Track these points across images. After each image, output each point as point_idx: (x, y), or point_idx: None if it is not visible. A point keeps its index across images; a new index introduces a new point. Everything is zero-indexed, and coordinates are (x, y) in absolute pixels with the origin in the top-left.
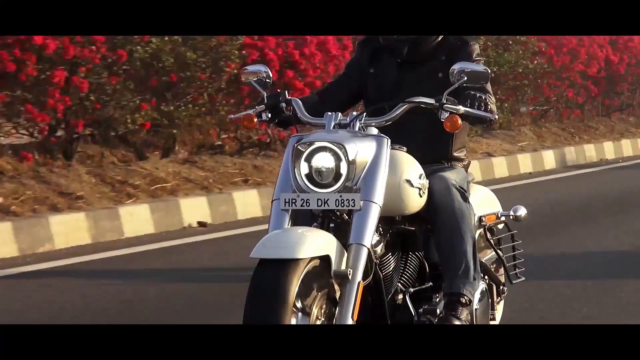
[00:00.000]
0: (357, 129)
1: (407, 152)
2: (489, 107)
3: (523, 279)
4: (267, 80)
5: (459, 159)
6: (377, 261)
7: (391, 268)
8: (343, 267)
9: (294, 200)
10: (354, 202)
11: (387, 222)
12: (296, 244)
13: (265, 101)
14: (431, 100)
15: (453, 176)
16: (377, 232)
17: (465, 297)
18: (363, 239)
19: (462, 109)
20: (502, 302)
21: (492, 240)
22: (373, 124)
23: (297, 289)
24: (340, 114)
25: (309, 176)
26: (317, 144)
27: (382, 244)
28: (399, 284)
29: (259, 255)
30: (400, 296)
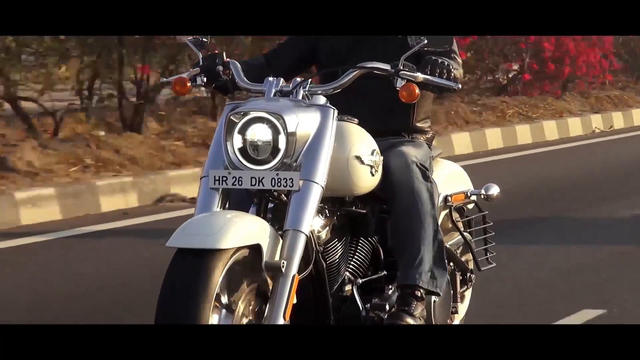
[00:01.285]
0: (300, 97)
1: (361, 123)
2: (452, 74)
3: (494, 265)
4: (204, 39)
5: (422, 131)
6: (321, 248)
7: (337, 256)
8: (277, 257)
9: (224, 178)
10: (292, 182)
11: (334, 203)
12: (220, 231)
13: (201, 63)
14: (386, 66)
15: (413, 151)
16: (322, 215)
17: (421, 290)
18: (301, 224)
19: (420, 76)
20: (469, 292)
21: (458, 223)
22: (319, 92)
23: (219, 283)
24: (282, 80)
25: (243, 151)
26: (253, 114)
27: (327, 228)
28: (348, 273)
29: (176, 244)
30: (349, 287)
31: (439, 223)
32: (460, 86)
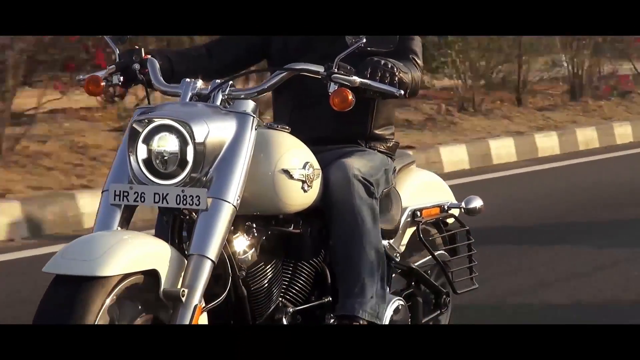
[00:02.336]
0: (218, 102)
1: (313, 130)
2: (397, 77)
3: (476, 286)
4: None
5: (382, 139)
6: (243, 273)
7: (266, 280)
8: (179, 285)
9: (125, 194)
10: (198, 200)
11: (264, 221)
12: (104, 255)
13: (117, 60)
14: (319, 68)
15: (358, 163)
16: (247, 235)
17: (360, 322)
18: (206, 248)
19: (357, 80)
20: (445, 316)
21: (426, 241)
22: (242, 95)
23: (100, 315)
24: (200, 81)
25: (148, 163)
26: (157, 122)
27: (253, 249)
28: (284, 300)
29: (52, 269)
30: (281, 316)
31: (405, 241)
32: (402, 92)
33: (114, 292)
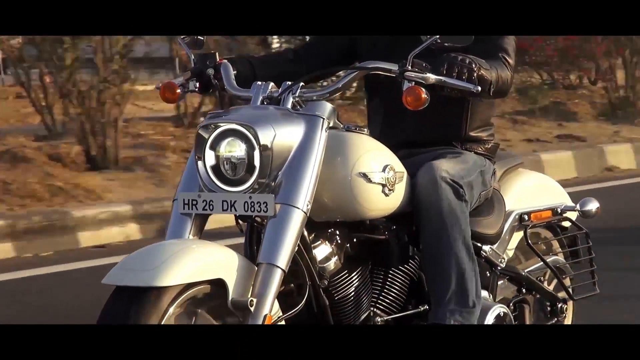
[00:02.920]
0: (289, 105)
1: (405, 133)
2: (475, 74)
3: (597, 292)
4: (199, 37)
5: (478, 141)
6: (325, 282)
7: (352, 289)
8: (250, 294)
9: (194, 202)
10: (266, 206)
11: (348, 227)
12: (163, 265)
13: (192, 66)
14: (392, 66)
15: (447, 165)
16: (330, 242)
17: None
18: (275, 257)
19: (431, 77)
20: (565, 322)
21: (538, 245)
22: (314, 97)
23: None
24: (271, 84)
25: (216, 169)
26: (222, 127)
27: (336, 257)
28: (376, 309)
29: (110, 280)
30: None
31: (513, 245)
32: (479, 89)
33: (176, 303)
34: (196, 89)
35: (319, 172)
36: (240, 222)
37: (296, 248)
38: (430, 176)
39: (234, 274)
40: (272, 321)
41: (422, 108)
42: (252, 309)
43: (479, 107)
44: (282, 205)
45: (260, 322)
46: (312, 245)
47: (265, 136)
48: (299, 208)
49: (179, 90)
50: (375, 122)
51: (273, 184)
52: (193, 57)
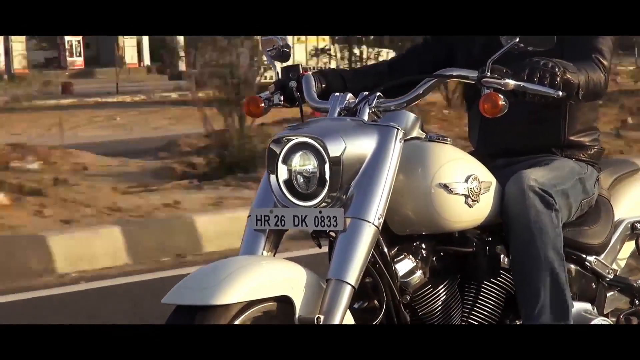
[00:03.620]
0: (365, 116)
1: (503, 142)
2: (558, 78)
3: None
4: (285, 49)
5: (580, 146)
6: (407, 297)
7: (438, 304)
8: (317, 312)
9: (266, 218)
10: (335, 221)
11: (434, 240)
12: (224, 282)
13: (276, 78)
14: (471, 73)
15: (536, 174)
16: (413, 256)
17: None
18: (345, 273)
19: (511, 82)
20: None
21: None
22: (392, 107)
23: None
24: (349, 95)
25: (289, 184)
26: (294, 140)
27: (420, 271)
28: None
29: (171, 300)
30: None
31: (624, 256)
32: (561, 93)
33: (237, 321)
34: (280, 103)
35: (392, 184)
36: (315, 236)
37: (367, 263)
38: (518, 186)
39: (301, 291)
40: None
41: (500, 115)
42: (319, 325)
43: (579, 111)
44: (352, 219)
45: None
46: (395, 260)
47: (335, 148)
48: (369, 222)
49: (262, 104)
50: (473, 131)
51: (344, 197)
52: (278, 69)
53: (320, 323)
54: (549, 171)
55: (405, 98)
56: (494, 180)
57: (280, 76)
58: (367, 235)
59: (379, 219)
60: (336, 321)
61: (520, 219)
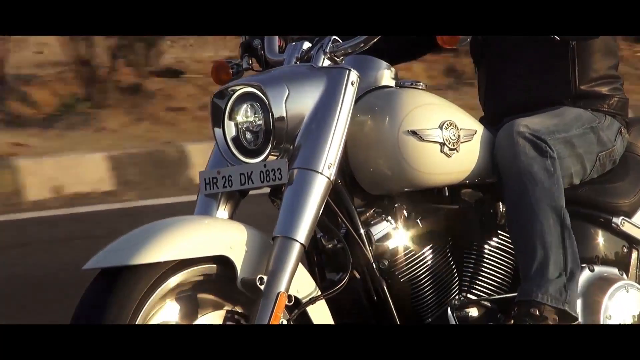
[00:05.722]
0: (320, 62)
1: (512, 95)
2: None
3: None
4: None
5: (596, 96)
6: (385, 262)
7: (422, 269)
8: (263, 273)
9: (214, 180)
10: (280, 173)
11: (418, 199)
12: (153, 241)
13: (244, 39)
14: None
15: (529, 121)
16: (392, 218)
17: (539, 308)
18: (292, 229)
19: None
20: None
21: None
22: (349, 49)
23: (148, 308)
24: (307, 43)
25: (237, 141)
26: (239, 91)
27: (399, 234)
28: (470, 293)
29: (94, 264)
30: (463, 311)
31: None
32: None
33: (167, 283)
34: (250, 66)
35: (344, 130)
36: (274, 199)
37: (318, 218)
38: (506, 133)
39: (242, 251)
40: (309, 299)
41: (458, 45)
42: (262, 287)
43: (591, 58)
44: (298, 170)
45: (272, 302)
46: (372, 222)
47: (277, 95)
48: (317, 171)
49: (232, 70)
50: (480, 91)
51: (292, 147)
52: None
53: (263, 284)
54: (547, 118)
55: (362, 37)
56: (480, 128)
57: (245, 38)
58: (315, 187)
59: (329, 169)
60: (281, 281)
61: (511, 168)
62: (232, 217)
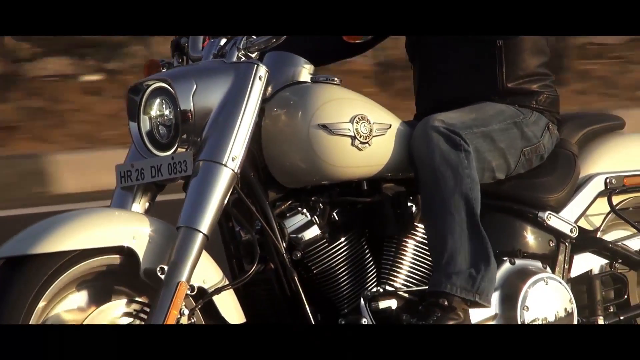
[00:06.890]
0: (234, 58)
1: (442, 92)
2: None
3: None
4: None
5: (525, 93)
6: (297, 254)
7: (335, 260)
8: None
9: (128, 173)
10: (185, 166)
11: (334, 192)
12: (56, 231)
13: (174, 38)
14: None
15: (445, 115)
16: (307, 210)
17: (447, 299)
18: (195, 220)
19: None
20: None
21: (623, 213)
22: (262, 45)
23: (47, 297)
24: (224, 39)
25: (151, 135)
26: (152, 86)
27: (314, 226)
28: (388, 284)
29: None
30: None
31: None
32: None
33: (68, 272)
34: (181, 64)
35: (250, 123)
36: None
37: (222, 209)
38: (421, 128)
39: (145, 242)
40: (214, 289)
41: (362, 39)
42: (162, 277)
43: (518, 57)
44: (203, 162)
45: (172, 291)
46: (288, 215)
47: (184, 90)
48: (221, 164)
49: (163, 69)
50: (415, 90)
51: (199, 140)
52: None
53: (164, 274)
54: (465, 113)
55: (271, 36)
56: (395, 122)
57: (175, 37)
58: (219, 179)
59: (233, 161)
60: (182, 271)
61: (424, 161)
62: (149, 209)
